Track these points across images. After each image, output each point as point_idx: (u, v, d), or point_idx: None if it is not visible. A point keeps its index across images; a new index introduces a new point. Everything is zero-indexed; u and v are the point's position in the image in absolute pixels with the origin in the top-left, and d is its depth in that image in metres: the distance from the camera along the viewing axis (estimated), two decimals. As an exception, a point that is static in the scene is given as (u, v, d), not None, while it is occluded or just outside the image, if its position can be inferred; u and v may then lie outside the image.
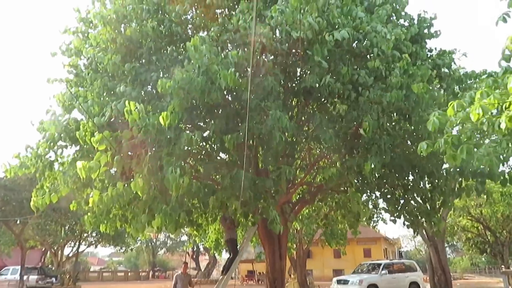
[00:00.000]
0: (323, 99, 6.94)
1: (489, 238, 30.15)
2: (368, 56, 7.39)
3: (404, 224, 10.27)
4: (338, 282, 19.14)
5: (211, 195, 6.25)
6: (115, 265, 76.97)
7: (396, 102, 6.69)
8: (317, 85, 6.77)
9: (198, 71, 5.91)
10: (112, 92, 7.18)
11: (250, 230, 10.22)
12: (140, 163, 5.54)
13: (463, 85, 8.05)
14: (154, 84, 6.99)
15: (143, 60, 7.37)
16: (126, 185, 6.06)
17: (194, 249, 64.55)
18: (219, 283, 9.33)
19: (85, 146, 6.76)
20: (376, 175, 7.12)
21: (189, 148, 6.35)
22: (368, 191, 8.21)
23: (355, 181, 7.16)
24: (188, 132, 5.59)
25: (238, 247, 9.99)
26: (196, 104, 6.53)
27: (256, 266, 43.58)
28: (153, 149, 5.91)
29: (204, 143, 7.09)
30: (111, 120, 6.46)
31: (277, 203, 6.06)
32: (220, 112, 6.78)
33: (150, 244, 64.31)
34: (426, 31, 8.32)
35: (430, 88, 6.84)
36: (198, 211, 9.16)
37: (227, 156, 7.63)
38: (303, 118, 7.41)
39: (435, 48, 8.72)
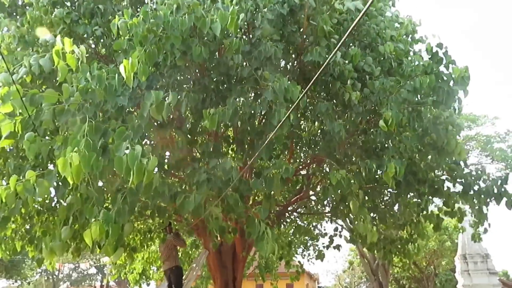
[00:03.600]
0: (330, 83, 5.31)
1: (415, 274, 30.36)
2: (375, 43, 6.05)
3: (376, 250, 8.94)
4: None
5: (178, 195, 4.19)
6: (5, 301, 66.63)
7: (415, 94, 5.35)
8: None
9: (176, 12, 3.99)
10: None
11: (200, 256, 8.07)
12: (69, 141, 3.36)
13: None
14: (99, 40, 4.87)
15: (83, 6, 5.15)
16: (41, 176, 3.82)
17: (103, 283, 58.32)
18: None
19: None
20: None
21: (156, 123, 4.29)
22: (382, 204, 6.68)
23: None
24: (157, 91, 3.54)
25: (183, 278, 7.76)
26: (165, 64, 4.53)
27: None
28: (95, 119, 3.75)
29: (179, 113, 4.98)
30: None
31: (266, 212, 4.17)
32: (199, 80, 4.83)
33: (51, 276, 56.77)
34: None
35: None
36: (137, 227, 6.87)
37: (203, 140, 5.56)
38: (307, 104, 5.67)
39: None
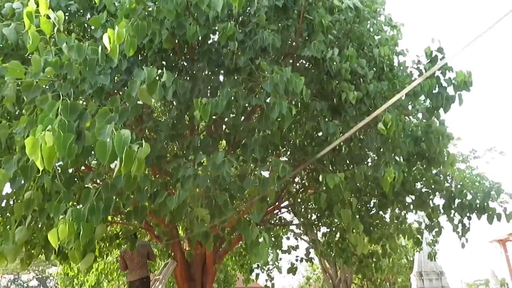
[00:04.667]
0: (325, 81, 4.96)
1: (370, 290, 30.62)
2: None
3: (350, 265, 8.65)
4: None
5: (158, 193, 3.64)
6: None
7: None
8: (321, 60, 4.89)
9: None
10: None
11: (167, 267, 7.38)
12: (39, 120, 2.74)
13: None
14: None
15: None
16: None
17: (45, 297, 54.61)
18: None
19: None
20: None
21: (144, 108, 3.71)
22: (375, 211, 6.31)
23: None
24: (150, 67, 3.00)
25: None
26: (150, 46, 4.00)
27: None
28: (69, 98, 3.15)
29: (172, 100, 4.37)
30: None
31: (260, 215, 3.71)
32: (187, 68, 4.31)
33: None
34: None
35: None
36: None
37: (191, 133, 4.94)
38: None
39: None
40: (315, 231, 9.23)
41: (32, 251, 5.54)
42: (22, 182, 3.68)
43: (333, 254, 8.56)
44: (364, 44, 5.91)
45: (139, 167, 2.56)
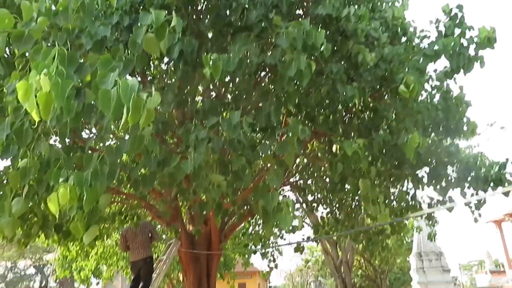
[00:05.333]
0: (340, 42, 4.61)
1: (368, 272, 30.69)
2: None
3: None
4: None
5: (167, 161, 3.32)
6: None
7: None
8: (335, 20, 4.54)
9: None
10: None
11: (171, 247, 7.09)
12: (33, 66, 2.38)
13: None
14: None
15: None
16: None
17: (43, 284, 54.54)
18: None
19: None
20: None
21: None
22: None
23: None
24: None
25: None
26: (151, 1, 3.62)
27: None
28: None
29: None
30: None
31: (280, 181, 3.41)
32: (193, 25, 3.94)
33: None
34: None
35: None
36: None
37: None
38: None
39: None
40: (319, 211, 8.96)
41: (30, 230, 5.24)
42: (17, 150, 3.37)
43: (339, 232, 8.29)
44: (376, 6, 5.57)
45: (148, 118, 2.23)
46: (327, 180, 7.10)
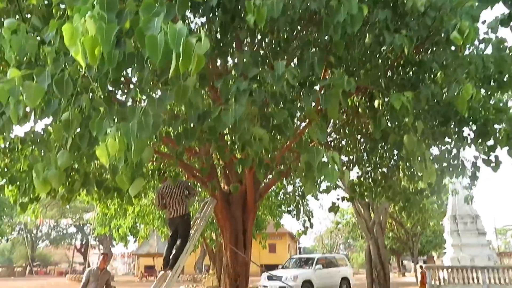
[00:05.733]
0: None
1: (400, 235, 30.61)
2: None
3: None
4: (269, 278, 16.83)
5: (206, 114, 3.24)
6: (-18, 259, 65.62)
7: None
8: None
9: None
10: None
11: (207, 205, 7.20)
12: (74, 10, 2.28)
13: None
14: None
15: None
16: (29, 77, 2.79)
17: (83, 242, 57.76)
18: (167, 282, 6.15)
19: None
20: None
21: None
22: None
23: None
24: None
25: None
26: None
27: (157, 261, 39.65)
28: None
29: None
30: None
31: (325, 134, 3.26)
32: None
33: (30, 235, 55.80)
34: None
35: None
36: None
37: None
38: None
39: None
40: (354, 171, 8.76)
41: (72, 187, 5.37)
42: (58, 104, 3.36)
43: (377, 193, 8.11)
44: None
45: (198, 65, 2.12)
46: (362, 139, 6.90)
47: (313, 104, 3.57)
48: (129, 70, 3.46)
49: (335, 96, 3.35)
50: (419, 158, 4.36)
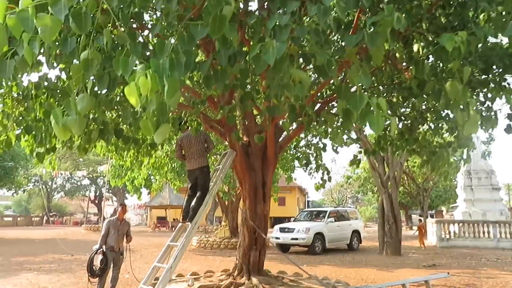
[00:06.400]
0: None
1: (411, 189, 30.69)
2: None
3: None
4: (282, 230, 17.02)
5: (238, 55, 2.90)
6: (1, 209, 67.89)
7: None
8: None
9: None
10: None
11: (226, 157, 7.00)
12: None
13: None
14: None
15: None
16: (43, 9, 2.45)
17: (97, 194, 59.08)
18: (186, 233, 6.08)
19: None
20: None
21: None
22: None
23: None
24: None
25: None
26: None
27: (169, 213, 40.54)
28: None
29: None
30: None
31: (368, 79, 2.91)
32: None
33: (45, 186, 57.15)
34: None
35: None
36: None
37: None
38: None
39: None
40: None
41: (90, 136, 5.15)
42: (75, 43, 3.04)
43: (401, 146, 7.76)
44: None
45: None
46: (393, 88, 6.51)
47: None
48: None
49: (382, 35, 2.98)
50: (462, 107, 4.03)
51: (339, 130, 5.72)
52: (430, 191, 30.07)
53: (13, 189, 33.40)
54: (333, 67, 2.90)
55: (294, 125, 7.16)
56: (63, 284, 9.03)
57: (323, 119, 4.80)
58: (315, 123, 5.39)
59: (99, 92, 3.75)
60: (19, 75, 3.54)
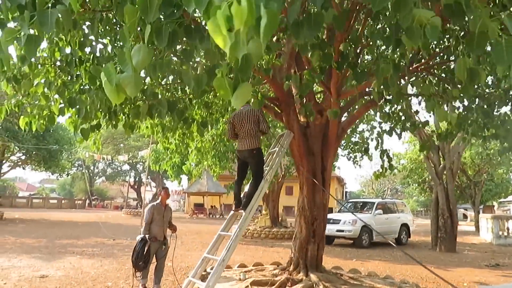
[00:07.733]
0: None
1: (461, 182, 28.80)
2: None
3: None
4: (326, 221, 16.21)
5: None
6: (47, 192, 70.77)
7: None
8: None
9: None
10: None
11: (283, 138, 6.31)
12: None
13: None
14: None
15: None
16: None
17: (136, 179, 60.21)
18: (241, 221, 5.46)
19: None
20: None
21: None
22: None
23: None
24: None
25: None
26: None
27: (207, 200, 40.58)
28: None
29: None
30: None
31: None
32: None
33: (87, 171, 58.89)
34: None
35: None
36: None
37: None
38: None
39: None
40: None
41: (138, 109, 4.59)
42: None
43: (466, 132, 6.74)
44: None
45: None
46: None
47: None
48: None
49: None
50: None
51: (439, 101, 4.85)
52: (482, 184, 28.14)
53: (57, 173, 34.22)
54: (472, 6, 2.10)
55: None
56: (106, 269, 8.72)
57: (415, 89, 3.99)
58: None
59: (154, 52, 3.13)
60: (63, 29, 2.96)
